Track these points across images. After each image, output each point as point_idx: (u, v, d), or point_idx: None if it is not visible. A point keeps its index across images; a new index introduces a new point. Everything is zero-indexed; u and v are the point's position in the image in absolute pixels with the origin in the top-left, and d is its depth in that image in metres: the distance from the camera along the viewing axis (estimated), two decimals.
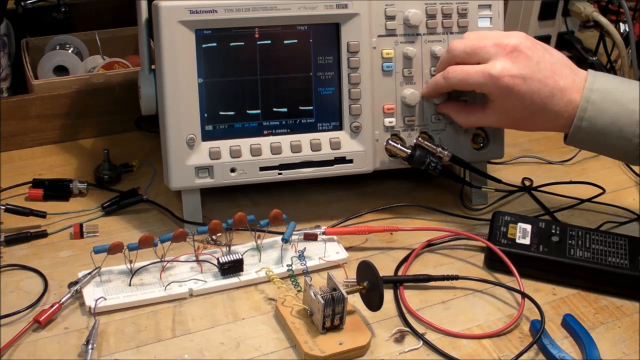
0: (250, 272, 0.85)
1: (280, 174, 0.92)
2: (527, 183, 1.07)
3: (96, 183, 1.01)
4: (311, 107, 0.93)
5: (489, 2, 0.96)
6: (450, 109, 0.94)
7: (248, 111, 0.92)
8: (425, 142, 0.95)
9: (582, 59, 1.32)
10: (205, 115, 0.90)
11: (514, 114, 0.87)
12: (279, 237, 0.88)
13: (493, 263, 0.88)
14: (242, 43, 0.90)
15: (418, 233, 0.92)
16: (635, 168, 1.12)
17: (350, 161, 0.94)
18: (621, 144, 0.84)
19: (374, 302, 0.78)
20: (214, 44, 0.89)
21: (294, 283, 0.83)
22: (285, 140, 0.92)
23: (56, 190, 0.98)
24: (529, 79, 0.84)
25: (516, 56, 0.85)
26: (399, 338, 0.79)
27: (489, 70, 0.85)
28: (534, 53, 0.85)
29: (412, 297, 0.84)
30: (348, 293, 0.77)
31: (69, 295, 0.79)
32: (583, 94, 0.84)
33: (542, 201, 1.03)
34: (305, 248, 0.87)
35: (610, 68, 1.33)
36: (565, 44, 1.33)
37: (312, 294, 0.76)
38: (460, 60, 0.88)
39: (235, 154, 0.90)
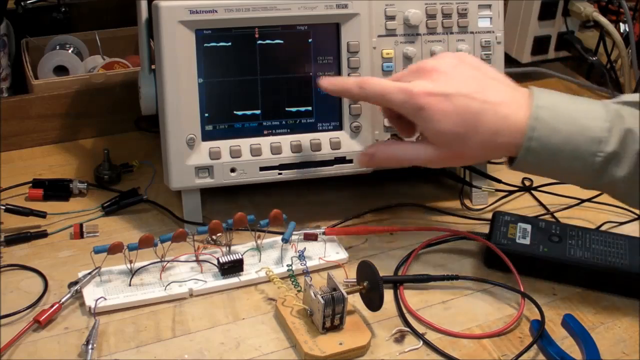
0: (250, 272, 0.85)
1: (280, 174, 0.92)
2: (527, 183, 1.07)
3: (96, 183, 1.01)
4: (311, 107, 0.93)
5: (489, 2, 0.96)
6: (376, 146, 0.85)
7: (248, 111, 0.92)
8: None
9: (582, 59, 1.32)
10: (206, 115, 0.90)
11: (444, 139, 0.77)
12: (279, 237, 0.88)
13: (493, 263, 0.88)
14: (242, 43, 0.90)
15: (418, 233, 0.92)
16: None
17: (350, 161, 0.94)
18: (576, 165, 0.75)
19: (374, 302, 0.78)
20: (214, 44, 0.89)
21: (294, 283, 0.83)
22: (285, 140, 0.92)
23: (56, 190, 0.98)
24: (452, 96, 0.75)
25: (436, 76, 0.77)
26: (399, 338, 0.79)
27: (408, 87, 0.76)
28: (457, 71, 0.77)
29: (412, 297, 0.84)
30: (348, 293, 0.77)
31: (69, 295, 0.79)
32: (530, 112, 0.74)
33: (542, 201, 1.03)
34: (305, 248, 0.87)
35: (610, 68, 1.33)
36: (565, 44, 1.33)
37: (312, 294, 0.76)
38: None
39: (235, 154, 0.90)
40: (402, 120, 0.82)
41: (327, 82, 0.83)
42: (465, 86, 0.76)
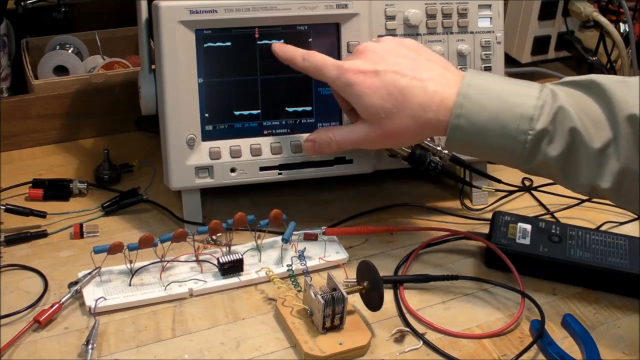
0: (250, 272, 0.85)
1: (280, 174, 0.92)
2: (527, 183, 1.07)
3: (96, 183, 1.01)
4: (311, 107, 0.93)
5: (489, 2, 0.96)
6: (318, 132, 0.86)
7: (248, 111, 0.92)
8: (426, 142, 0.95)
9: (582, 59, 1.32)
10: (206, 115, 0.90)
11: (375, 115, 0.78)
12: (279, 237, 0.88)
13: (493, 263, 0.88)
14: (242, 43, 0.90)
15: (418, 233, 0.92)
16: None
17: (350, 161, 0.94)
18: (506, 143, 0.75)
19: (374, 302, 0.78)
20: (214, 44, 0.89)
21: (294, 283, 0.83)
22: (285, 140, 0.92)
23: (56, 190, 0.98)
24: (381, 72, 0.78)
25: (370, 56, 0.79)
26: (399, 338, 0.79)
27: (341, 63, 0.80)
28: (391, 51, 0.80)
29: (412, 297, 0.84)
30: (348, 293, 0.77)
31: (69, 295, 0.79)
32: (459, 90, 0.75)
33: (542, 201, 1.03)
34: (305, 248, 0.87)
35: (610, 68, 1.33)
36: (565, 44, 1.33)
37: (312, 294, 0.76)
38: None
39: (235, 154, 0.90)
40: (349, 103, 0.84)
41: (278, 48, 0.86)
42: (395, 64, 0.78)
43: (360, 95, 0.78)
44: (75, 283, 0.81)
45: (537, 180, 1.06)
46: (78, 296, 0.81)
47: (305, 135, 0.92)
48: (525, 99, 0.74)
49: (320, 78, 0.83)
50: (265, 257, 0.87)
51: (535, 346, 0.77)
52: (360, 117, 0.81)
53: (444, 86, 0.77)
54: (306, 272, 0.82)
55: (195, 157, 0.89)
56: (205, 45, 0.88)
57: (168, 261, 0.84)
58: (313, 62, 0.83)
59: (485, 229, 0.93)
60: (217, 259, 0.84)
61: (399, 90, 0.77)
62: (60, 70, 1.18)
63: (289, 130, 0.93)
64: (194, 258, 0.86)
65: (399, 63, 0.79)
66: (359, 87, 0.78)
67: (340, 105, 0.89)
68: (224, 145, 0.90)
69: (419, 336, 0.78)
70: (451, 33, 0.95)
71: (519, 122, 0.74)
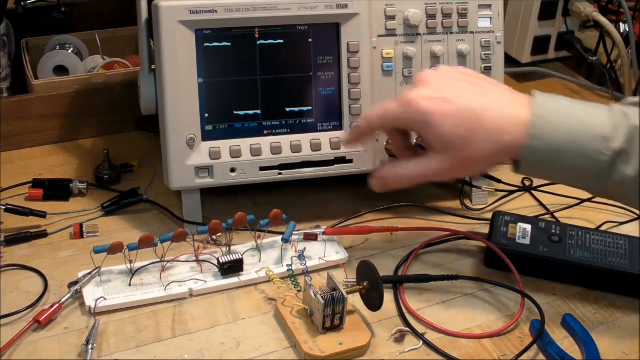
0: (250, 272, 0.85)
1: (280, 174, 0.92)
2: (527, 183, 1.07)
3: (96, 183, 1.01)
4: (311, 107, 0.93)
5: (489, 2, 0.96)
6: (385, 170, 0.82)
7: (248, 111, 0.92)
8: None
9: (582, 59, 1.32)
10: (205, 115, 0.90)
11: (449, 144, 0.74)
12: (279, 237, 0.88)
13: (493, 263, 0.88)
14: (242, 43, 0.90)
15: (418, 233, 0.92)
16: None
17: (350, 161, 0.94)
18: (581, 164, 0.72)
19: (374, 302, 0.78)
20: (214, 44, 0.89)
21: (294, 283, 0.83)
22: (285, 140, 0.92)
23: (56, 190, 0.98)
24: (451, 99, 0.74)
25: (431, 83, 0.76)
26: (399, 338, 0.79)
27: (404, 96, 0.76)
28: (453, 78, 0.77)
29: (412, 297, 0.84)
30: (348, 293, 0.77)
31: (69, 295, 0.80)
32: (533, 111, 0.73)
33: (542, 201, 1.03)
34: (305, 248, 0.87)
35: (610, 68, 1.33)
36: (565, 44, 1.33)
37: (312, 294, 0.76)
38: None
39: (235, 154, 0.90)
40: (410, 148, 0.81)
41: (347, 137, 0.86)
42: (463, 90, 0.75)
43: (434, 125, 0.74)
44: (75, 283, 0.81)
45: (537, 180, 1.06)
46: (78, 296, 0.81)
47: (305, 135, 0.92)
48: (598, 118, 0.73)
49: (388, 124, 0.79)
50: (265, 257, 0.87)
51: (535, 346, 0.77)
52: (428, 149, 0.77)
53: (515, 108, 0.74)
54: (306, 272, 0.82)
55: (195, 157, 0.89)
56: (205, 45, 0.88)
57: (168, 261, 0.84)
58: (373, 114, 0.79)
59: (485, 229, 0.93)
60: (217, 259, 0.84)
61: (473, 115, 0.73)
62: (60, 70, 1.18)
63: (289, 130, 0.93)
64: (194, 258, 0.86)
65: (466, 88, 0.75)
66: (431, 115, 0.74)
67: (392, 144, 0.85)
68: (224, 145, 0.90)
69: (419, 336, 0.78)
70: (451, 33, 0.95)
71: (595, 142, 0.72)
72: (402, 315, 0.81)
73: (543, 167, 0.75)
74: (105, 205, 0.96)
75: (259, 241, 0.87)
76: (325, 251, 0.88)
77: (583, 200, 1.02)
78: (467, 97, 0.74)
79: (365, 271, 0.79)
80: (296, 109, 0.93)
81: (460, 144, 0.74)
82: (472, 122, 0.74)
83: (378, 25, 0.93)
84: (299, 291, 0.82)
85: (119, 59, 1.18)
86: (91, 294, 0.80)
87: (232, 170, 0.90)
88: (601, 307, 0.85)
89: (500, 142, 0.74)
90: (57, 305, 0.78)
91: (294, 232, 0.87)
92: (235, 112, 0.91)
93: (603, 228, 0.96)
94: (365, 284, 0.79)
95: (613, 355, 0.77)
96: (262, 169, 0.91)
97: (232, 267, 0.84)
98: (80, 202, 0.98)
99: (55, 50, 1.19)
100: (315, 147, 0.92)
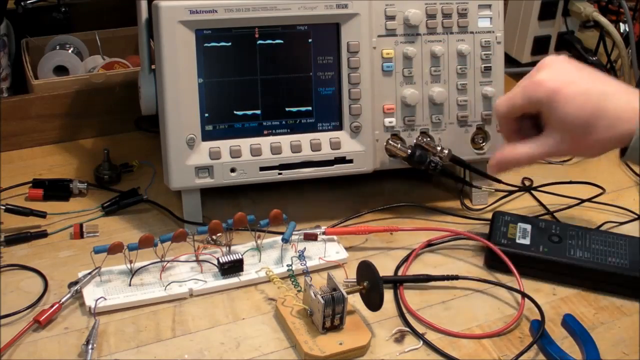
0: (250, 272, 0.85)
1: (280, 174, 0.92)
2: (527, 183, 1.07)
3: (96, 183, 1.01)
4: (311, 107, 0.93)
5: (489, 2, 0.96)
6: (504, 152, 0.85)
7: (248, 111, 0.92)
8: (425, 142, 0.95)
9: (582, 59, 1.31)
10: (206, 115, 0.90)
11: (570, 124, 0.78)
12: (279, 237, 0.88)
13: (493, 263, 0.88)
14: (242, 43, 0.90)
15: (418, 233, 0.92)
16: (635, 168, 1.12)
17: (350, 161, 0.94)
18: None
19: (374, 302, 0.78)
20: (214, 44, 0.89)
21: (294, 283, 0.83)
22: (285, 140, 0.92)
23: (56, 190, 0.98)
24: (575, 81, 0.78)
25: (556, 64, 0.80)
26: (399, 338, 0.79)
27: (530, 78, 0.81)
28: (571, 63, 0.81)
29: (412, 297, 0.84)
30: (348, 293, 0.77)
31: (69, 295, 0.80)
32: None
33: (542, 201, 1.03)
34: (305, 248, 0.87)
35: (610, 68, 1.33)
36: (565, 44, 1.33)
37: (312, 294, 0.76)
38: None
39: (235, 154, 0.90)
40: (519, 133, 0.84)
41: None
42: (585, 76, 0.79)
43: (560, 103, 0.78)
44: (75, 283, 0.81)
45: (537, 180, 1.06)
46: (78, 296, 0.81)
47: (305, 135, 0.92)
48: None
49: (519, 108, 0.82)
50: (265, 257, 0.87)
51: (535, 346, 0.77)
52: (546, 129, 0.81)
53: (632, 99, 0.77)
54: (306, 272, 0.82)
55: (195, 157, 0.89)
56: (205, 45, 0.88)
57: (168, 261, 0.84)
58: (503, 103, 0.83)
59: (485, 229, 0.93)
60: (217, 259, 0.84)
61: (596, 100, 0.77)
62: (60, 70, 1.18)
63: (289, 130, 0.93)
64: (194, 258, 0.86)
65: (585, 75, 0.79)
66: (558, 94, 0.78)
67: (503, 129, 0.86)
68: (224, 145, 0.90)
69: (419, 336, 0.78)
70: (451, 33, 0.95)
71: None
72: (402, 315, 0.81)
73: None
74: (105, 205, 0.96)
75: (259, 241, 0.87)
76: (325, 251, 0.88)
77: (583, 200, 1.02)
78: (590, 82, 0.79)
79: (365, 271, 0.79)
80: (296, 109, 0.93)
81: (581, 126, 0.78)
82: (594, 106, 0.77)
83: (378, 25, 0.93)
84: (299, 291, 0.82)
85: (119, 59, 1.18)
86: (91, 294, 0.80)
87: (232, 170, 0.90)
88: (601, 307, 0.85)
89: (619, 128, 0.77)
90: (57, 305, 0.78)
91: (294, 232, 0.87)
92: (235, 112, 0.91)
93: (603, 228, 0.96)
94: (365, 284, 0.79)
95: (613, 355, 0.77)
96: (262, 169, 0.91)
97: (232, 267, 0.84)
98: (80, 202, 0.98)
99: (55, 50, 1.19)
100: (315, 147, 0.92)
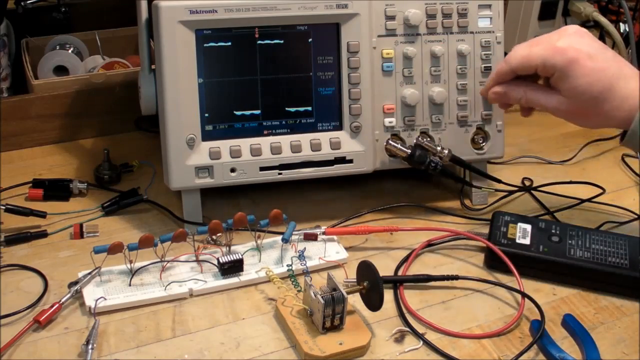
0: (250, 272, 0.85)
1: (280, 174, 0.92)
2: (527, 183, 1.07)
3: (96, 183, 1.01)
4: (311, 107, 0.93)
5: (489, 2, 0.96)
6: (510, 85, 0.88)
7: (248, 111, 0.92)
8: (425, 142, 0.95)
9: None
10: (206, 115, 0.90)
11: (579, 95, 0.82)
12: (279, 237, 0.88)
13: (493, 263, 0.88)
14: (242, 43, 0.90)
15: (418, 233, 0.92)
16: (636, 168, 1.12)
17: (350, 161, 0.94)
18: None
19: (374, 302, 0.78)
20: (214, 44, 0.89)
21: (294, 283, 0.83)
22: (285, 140, 0.92)
23: (56, 190, 0.98)
24: (594, 57, 0.81)
25: (580, 36, 0.83)
26: (399, 338, 0.79)
27: (553, 43, 0.82)
28: (592, 38, 0.83)
29: (412, 297, 0.84)
30: (348, 293, 0.77)
31: (69, 295, 0.79)
32: None
33: (542, 201, 1.03)
34: (305, 248, 0.87)
35: None
36: None
37: (312, 294, 0.76)
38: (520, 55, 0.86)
39: (235, 154, 0.90)
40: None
41: (483, 90, 0.92)
42: (603, 52, 0.82)
43: (574, 75, 0.81)
44: (75, 283, 0.81)
45: (537, 180, 1.06)
46: (78, 296, 0.81)
47: (305, 135, 0.92)
48: None
49: (532, 65, 0.84)
50: (265, 257, 0.87)
51: (535, 346, 0.77)
52: (554, 89, 0.84)
53: (638, 81, 0.80)
54: (306, 272, 0.82)
55: (195, 157, 0.89)
56: (205, 45, 0.88)
57: (168, 261, 0.84)
58: (519, 55, 0.85)
59: (485, 229, 0.93)
60: (217, 259, 0.84)
61: (607, 79, 0.80)
62: (60, 70, 1.18)
63: (289, 130, 0.93)
64: (194, 258, 0.86)
65: (605, 52, 0.82)
66: (575, 65, 0.81)
67: (500, 79, 0.89)
68: (224, 145, 0.90)
69: (419, 336, 0.78)
70: (451, 33, 0.95)
71: None
72: (402, 315, 0.81)
73: None
74: (105, 205, 0.96)
75: (259, 241, 0.87)
76: (325, 251, 0.88)
77: (583, 200, 1.02)
78: (608, 61, 0.81)
79: (365, 271, 0.79)
80: (296, 109, 0.93)
81: (588, 100, 0.82)
82: (606, 86, 0.81)
83: (378, 25, 0.93)
84: (299, 291, 0.82)
85: (119, 59, 1.18)
86: (91, 294, 0.80)
87: (232, 170, 0.90)
88: (601, 307, 0.84)
89: (623, 111, 0.81)
90: (57, 305, 0.78)
91: (294, 232, 0.87)
92: (235, 112, 0.91)
93: (603, 228, 0.96)
94: (365, 284, 0.79)
95: (613, 355, 0.77)
96: (262, 169, 0.91)
97: (232, 267, 0.84)
98: (80, 202, 0.98)
99: (55, 50, 1.19)
100: (315, 147, 0.92)
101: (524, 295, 0.83)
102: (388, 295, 0.83)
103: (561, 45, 0.82)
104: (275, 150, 0.91)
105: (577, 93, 0.82)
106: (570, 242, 0.89)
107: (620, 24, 1.35)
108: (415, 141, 0.95)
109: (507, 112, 0.97)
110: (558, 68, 0.82)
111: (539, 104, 0.87)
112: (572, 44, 0.82)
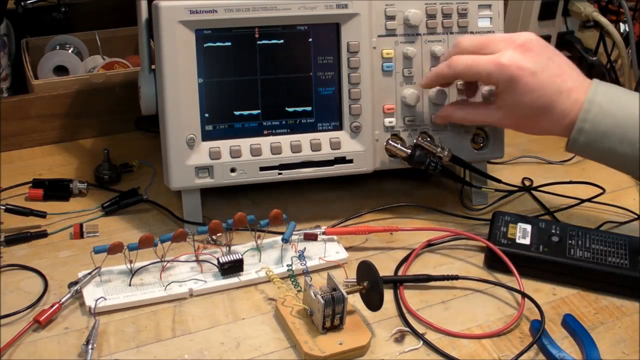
0: (250, 272, 0.85)
1: (280, 174, 0.92)
2: (527, 183, 1.07)
3: (96, 183, 1.01)
4: (311, 107, 0.93)
5: (489, 2, 0.96)
6: (452, 107, 0.93)
7: (248, 111, 0.92)
8: (425, 142, 0.95)
9: (582, 59, 1.31)
10: (206, 115, 0.90)
11: (519, 110, 0.85)
12: (279, 237, 0.88)
13: (493, 263, 0.88)
14: (242, 43, 0.90)
15: (418, 233, 0.92)
16: None
17: (350, 161, 0.94)
18: (625, 151, 0.82)
19: (374, 302, 0.78)
20: (214, 44, 0.89)
21: (294, 283, 0.83)
22: (285, 140, 0.92)
23: (56, 190, 0.98)
24: (538, 73, 0.83)
25: (525, 50, 0.84)
26: (399, 338, 0.79)
27: (498, 58, 0.84)
28: (542, 51, 0.85)
29: (412, 297, 0.84)
30: (348, 293, 0.77)
31: (69, 295, 0.79)
32: (587, 95, 0.83)
33: (542, 201, 1.03)
34: (305, 248, 0.87)
35: (610, 68, 1.33)
36: (565, 44, 1.33)
37: (312, 294, 0.76)
38: (468, 53, 0.88)
39: (235, 154, 0.90)
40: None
41: (423, 80, 0.93)
42: (547, 68, 0.84)
43: (516, 91, 0.84)
44: (75, 283, 0.81)
45: (537, 180, 1.06)
46: (78, 296, 0.81)
47: (305, 135, 0.92)
48: None
49: (473, 77, 0.88)
50: (265, 257, 0.87)
51: (535, 346, 0.77)
52: (495, 102, 0.88)
53: (579, 93, 0.84)
54: (306, 272, 0.82)
55: (195, 157, 0.89)
56: (205, 45, 0.88)
57: (168, 261, 0.84)
58: (463, 63, 0.86)
59: (485, 229, 0.93)
60: (217, 259, 0.84)
61: (548, 96, 0.83)
62: (60, 70, 1.18)
63: (289, 130, 0.93)
64: (194, 258, 0.86)
65: (549, 67, 0.84)
66: (517, 83, 0.83)
67: (439, 81, 0.91)
68: (224, 145, 0.90)
69: (419, 336, 0.78)
70: (451, 33, 0.95)
71: (637, 130, 0.81)
72: (402, 315, 0.81)
73: (587, 148, 0.85)
74: (105, 205, 0.96)
75: (259, 241, 0.87)
76: (325, 251, 0.88)
77: (583, 200, 1.02)
78: (550, 76, 0.84)
79: (365, 271, 0.79)
80: (296, 109, 0.93)
81: (528, 114, 0.85)
82: (546, 102, 0.84)
83: (378, 25, 0.93)
84: (299, 291, 0.82)
85: (119, 59, 1.18)
86: (91, 294, 0.80)
87: (232, 170, 0.90)
88: (601, 307, 0.85)
89: (561, 122, 0.85)
90: (57, 305, 0.78)
91: (294, 232, 0.87)
92: (235, 112, 0.91)
93: (603, 228, 0.96)
94: (365, 284, 0.79)
95: (613, 355, 0.77)
96: (262, 169, 0.91)
97: (232, 267, 0.84)
98: (80, 202, 0.98)
99: (55, 50, 1.19)
100: (315, 147, 0.92)
101: (524, 295, 0.83)
102: (388, 295, 0.83)
103: (505, 62, 0.83)
104: (275, 150, 0.91)
105: (518, 108, 0.85)
106: (570, 242, 0.89)
107: (620, 24, 1.35)
108: (415, 141, 0.95)
109: None
110: (501, 83, 0.85)
111: (481, 120, 0.92)
112: (515, 61, 0.83)
